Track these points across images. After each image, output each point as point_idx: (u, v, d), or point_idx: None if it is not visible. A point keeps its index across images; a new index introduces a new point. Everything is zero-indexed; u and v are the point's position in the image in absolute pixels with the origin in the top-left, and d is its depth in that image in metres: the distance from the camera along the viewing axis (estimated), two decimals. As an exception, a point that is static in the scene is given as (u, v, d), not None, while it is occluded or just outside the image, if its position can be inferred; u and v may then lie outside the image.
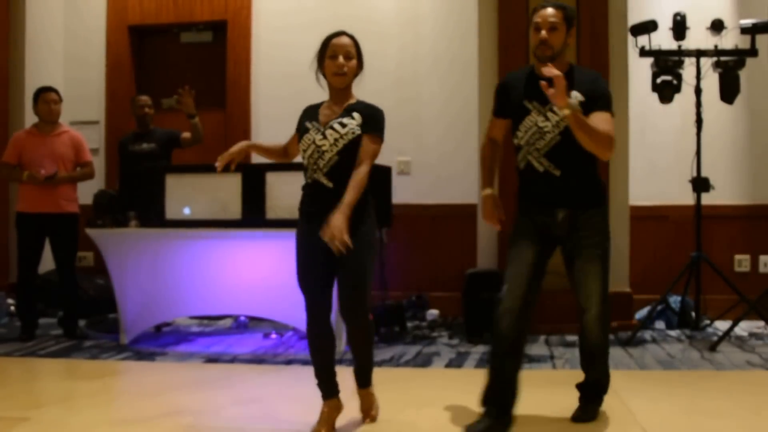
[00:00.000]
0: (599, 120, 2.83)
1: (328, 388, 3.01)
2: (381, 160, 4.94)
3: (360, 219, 2.88)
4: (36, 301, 5.20)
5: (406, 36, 6.08)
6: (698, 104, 4.97)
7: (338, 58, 2.92)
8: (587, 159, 2.91)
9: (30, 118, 5.55)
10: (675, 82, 4.98)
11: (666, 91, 5.00)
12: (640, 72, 5.35)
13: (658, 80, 5.01)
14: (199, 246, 4.72)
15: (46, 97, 5.12)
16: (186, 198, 4.79)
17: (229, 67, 6.35)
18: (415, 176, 6.02)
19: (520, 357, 2.98)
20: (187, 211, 4.78)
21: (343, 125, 2.91)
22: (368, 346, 3.08)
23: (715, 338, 4.70)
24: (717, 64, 5.00)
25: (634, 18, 5.20)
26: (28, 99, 5.44)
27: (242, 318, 5.47)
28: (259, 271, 4.59)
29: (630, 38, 5.10)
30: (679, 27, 4.97)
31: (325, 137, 2.91)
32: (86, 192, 5.42)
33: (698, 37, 5.05)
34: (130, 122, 5.90)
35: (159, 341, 4.97)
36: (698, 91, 4.97)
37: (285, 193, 4.55)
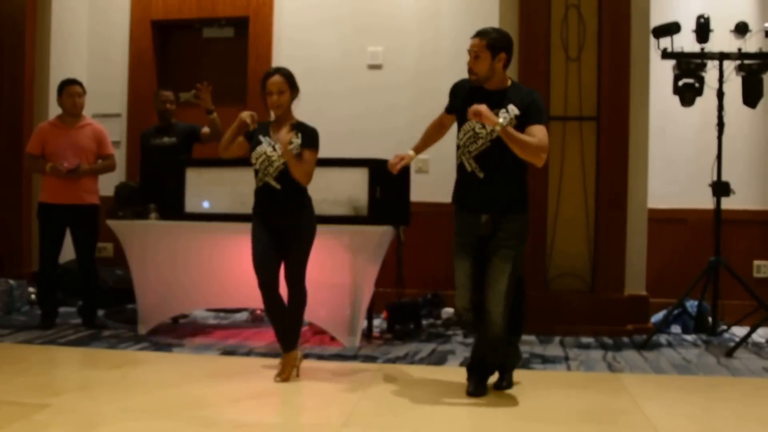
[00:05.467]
0: (536, 132, 3.25)
1: (287, 343, 3.78)
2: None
3: (302, 206, 3.78)
4: (56, 290, 5.26)
5: (426, 31, 6.08)
6: (720, 108, 4.93)
7: (273, 95, 3.73)
8: (514, 167, 3.34)
9: (54, 111, 5.62)
10: (697, 85, 4.95)
11: (688, 94, 4.97)
12: (661, 74, 5.32)
13: (680, 83, 4.98)
14: (218, 239, 4.76)
15: (71, 90, 5.18)
16: (206, 191, 4.84)
17: (251, 63, 6.39)
18: (433, 174, 6.01)
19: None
20: (206, 204, 4.83)
21: (290, 142, 3.69)
22: (301, 312, 3.81)
23: (731, 344, 4.67)
24: (740, 68, 4.96)
25: (657, 19, 5.17)
26: (53, 91, 5.50)
27: (259, 311, 5.51)
28: (276, 265, 4.62)
29: (652, 40, 5.07)
30: (703, 29, 4.94)
31: (275, 150, 3.73)
32: (108, 184, 5.48)
33: (722, 40, 5.01)
34: (152, 116, 5.95)
35: (176, 332, 5.02)
36: (720, 94, 4.94)
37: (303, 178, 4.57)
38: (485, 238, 3.37)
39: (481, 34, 3.34)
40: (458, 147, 3.43)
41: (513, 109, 3.30)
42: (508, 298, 3.34)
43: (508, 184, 3.36)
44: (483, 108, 3.19)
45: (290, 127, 3.73)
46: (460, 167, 3.42)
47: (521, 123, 3.28)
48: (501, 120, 3.23)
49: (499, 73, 3.35)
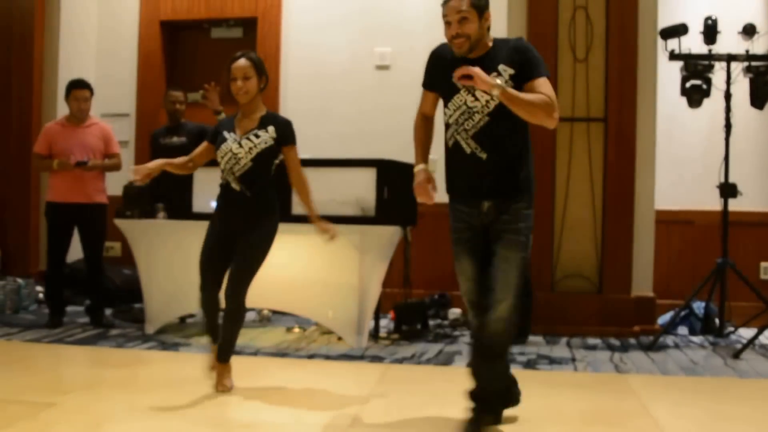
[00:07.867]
0: (539, 87, 2.72)
1: (220, 354, 3.55)
2: (407, 158, 4.97)
3: (265, 214, 3.53)
4: (64, 289, 5.28)
5: (434, 33, 6.03)
6: (728, 109, 4.93)
7: (237, 80, 3.44)
8: (517, 143, 2.83)
9: (62, 111, 5.64)
10: (705, 86, 4.94)
11: (695, 96, 4.96)
12: (669, 75, 5.31)
13: (688, 84, 4.97)
14: (225, 239, 4.77)
15: (77, 95, 5.18)
16: (213, 191, 4.81)
17: (259, 63, 6.41)
18: (440, 175, 6.00)
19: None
20: (214, 204, 4.82)
21: (257, 136, 3.47)
22: (234, 329, 3.52)
23: (739, 346, 4.66)
24: (748, 69, 4.95)
25: (665, 21, 5.16)
26: (61, 92, 5.53)
27: (266, 311, 5.52)
28: (283, 265, 4.62)
29: (660, 41, 5.06)
30: (710, 31, 4.93)
31: (241, 146, 3.46)
32: (115, 183, 5.50)
33: (729, 42, 5.00)
34: (160, 115, 5.98)
35: (183, 332, 5.03)
36: (728, 96, 4.93)
37: (311, 188, 4.58)
38: (487, 229, 2.87)
39: None
40: (448, 125, 2.89)
41: (505, 70, 2.75)
42: (517, 296, 2.80)
43: (515, 163, 2.83)
44: (475, 69, 2.63)
45: (259, 120, 3.48)
46: (455, 149, 2.87)
47: (519, 82, 2.73)
48: (499, 81, 2.67)
49: (485, 37, 2.82)
